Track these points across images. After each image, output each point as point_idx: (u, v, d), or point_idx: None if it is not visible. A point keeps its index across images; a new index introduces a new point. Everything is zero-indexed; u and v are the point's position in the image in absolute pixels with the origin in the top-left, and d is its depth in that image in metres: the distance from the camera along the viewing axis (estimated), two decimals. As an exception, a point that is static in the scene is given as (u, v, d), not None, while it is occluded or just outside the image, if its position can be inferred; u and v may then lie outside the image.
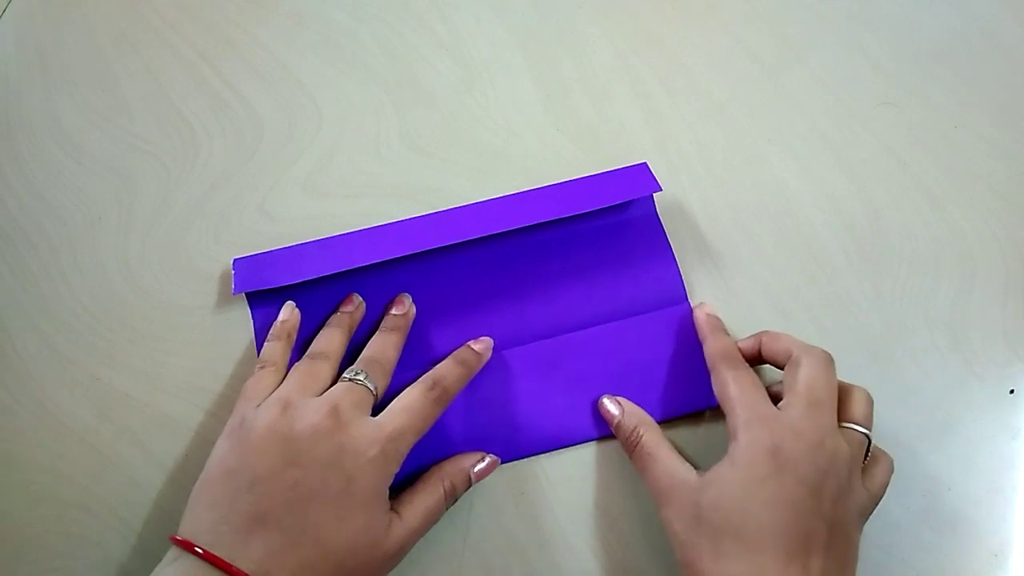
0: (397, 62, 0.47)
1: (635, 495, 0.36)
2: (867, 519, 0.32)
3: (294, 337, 0.38)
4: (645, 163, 0.42)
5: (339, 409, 0.32)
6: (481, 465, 0.36)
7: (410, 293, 0.40)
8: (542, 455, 0.37)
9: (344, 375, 0.35)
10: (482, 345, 0.38)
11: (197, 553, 0.29)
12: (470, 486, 0.35)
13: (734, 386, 0.34)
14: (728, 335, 0.38)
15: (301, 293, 0.39)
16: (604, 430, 0.37)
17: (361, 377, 0.34)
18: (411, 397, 0.34)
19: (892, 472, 0.34)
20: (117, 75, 0.47)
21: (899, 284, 0.40)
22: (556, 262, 0.40)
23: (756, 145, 0.44)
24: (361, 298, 0.39)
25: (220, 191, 0.43)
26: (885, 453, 0.34)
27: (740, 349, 0.36)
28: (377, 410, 0.34)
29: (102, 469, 0.37)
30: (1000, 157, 0.42)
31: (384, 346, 0.37)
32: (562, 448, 0.37)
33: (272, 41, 0.48)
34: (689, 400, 0.38)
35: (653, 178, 0.41)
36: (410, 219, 0.41)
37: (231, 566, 0.29)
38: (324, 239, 0.41)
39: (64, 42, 0.49)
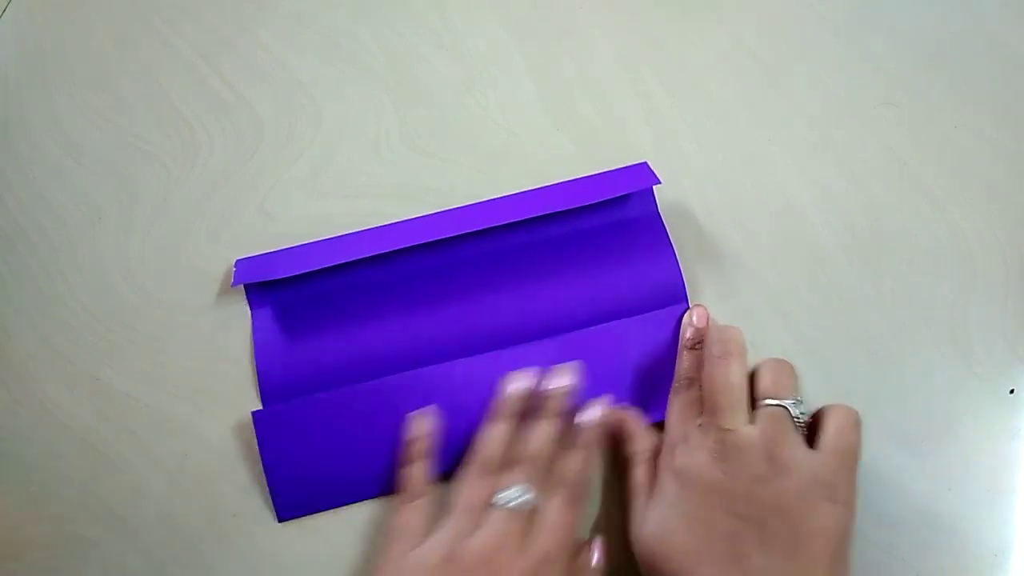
0: (397, 62, 0.47)
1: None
2: (850, 474, 0.31)
3: (433, 455, 0.36)
4: (645, 163, 0.42)
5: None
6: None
7: (409, 290, 0.39)
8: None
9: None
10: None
11: None
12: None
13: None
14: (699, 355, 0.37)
15: (300, 289, 0.39)
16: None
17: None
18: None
19: (852, 418, 0.32)
20: (117, 75, 0.47)
21: (899, 284, 0.40)
22: (558, 260, 0.40)
23: (756, 145, 0.44)
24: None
25: (220, 191, 0.43)
26: (833, 405, 0.33)
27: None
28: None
29: (102, 469, 0.37)
30: (1000, 157, 0.42)
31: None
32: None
33: (272, 41, 0.48)
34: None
35: (654, 177, 0.41)
36: (410, 219, 0.41)
37: None
38: (326, 239, 0.41)
39: (64, 42, 0.49)
